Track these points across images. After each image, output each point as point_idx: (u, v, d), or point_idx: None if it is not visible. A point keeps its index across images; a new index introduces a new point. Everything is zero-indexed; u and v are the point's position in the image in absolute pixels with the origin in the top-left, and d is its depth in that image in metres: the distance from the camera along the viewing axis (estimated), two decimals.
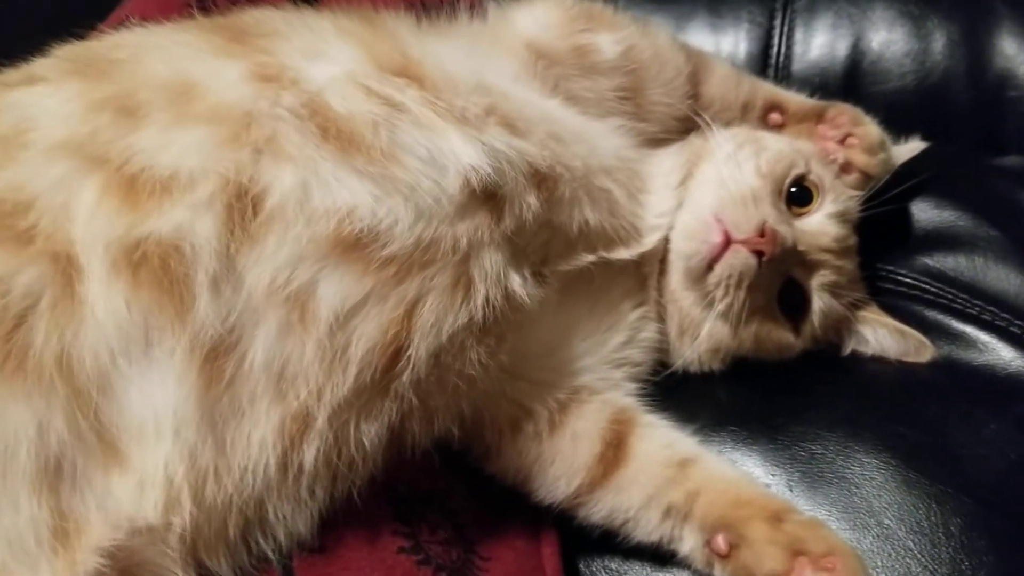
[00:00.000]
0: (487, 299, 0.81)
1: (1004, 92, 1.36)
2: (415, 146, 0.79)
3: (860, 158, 1.05)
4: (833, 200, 1.00)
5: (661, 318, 1.02)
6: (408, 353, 0.77)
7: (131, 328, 0.69)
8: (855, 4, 1.43)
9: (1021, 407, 0.95)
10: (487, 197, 0.81)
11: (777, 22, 1.46)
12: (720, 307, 0.95)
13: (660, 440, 0.93)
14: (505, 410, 0.91)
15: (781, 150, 1.01)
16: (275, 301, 0.72)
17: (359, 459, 0.78)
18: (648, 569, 0.91)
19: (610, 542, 0.91)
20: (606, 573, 0.92)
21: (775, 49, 1.46)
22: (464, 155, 0.80)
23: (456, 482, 0.91)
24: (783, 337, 1.00)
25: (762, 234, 0.92)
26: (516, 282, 0.83)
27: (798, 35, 1.45)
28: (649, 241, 0.98)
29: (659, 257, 1.00)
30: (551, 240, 0.90)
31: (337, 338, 0.74)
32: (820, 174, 1.01)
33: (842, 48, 1.43)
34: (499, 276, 0.82)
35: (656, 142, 1.06)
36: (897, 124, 1.18)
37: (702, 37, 1.47)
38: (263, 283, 0.72)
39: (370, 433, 0.77)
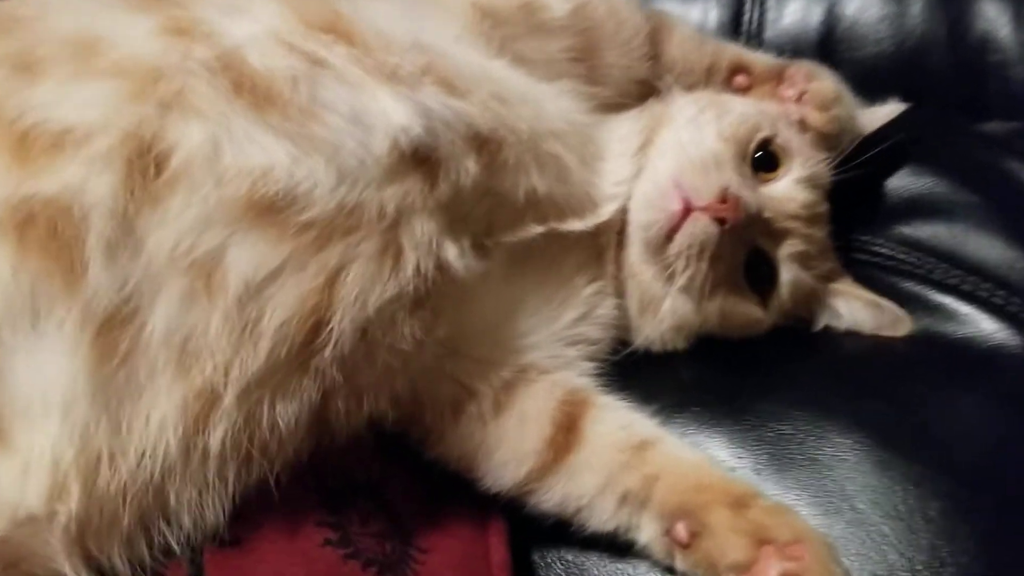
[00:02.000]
0: (418, 269, 0.74)
1: (985, 56, 1.30)
2: (338, 103, 0.73)
3: (812, 115, 0.99)
4: (802, 164, 0.94)
5: (620, 294, 0.95)
6: (330, 326, 0.70)
7: (16, 296, 0.64)
8: None
9: (1002, 381, 0.88)
10: (419, 161, 0.75)
11: None
12: (681, 280, 0.89)
13: (616, 422, 0.86)
14: (446, 390, 0.84)
15: (745, 112, 0.95)
16: (178, 268, 0.66)
17: (275, 442, 0.71)
18: (606, 560, 0.84)
19: (566, 531, 0.85)
20: (562, 564, 0.85)
21: (747, 16, 1.39)
22: (394, 114, 0.74)
23: (394, 469, 0.84)
24: (750, 311, 0.93)
25: (723, 200, 0.86)
26: (452, 253, 0.77)
27: (771, 1, 1.39)
28: (605, 211, 0.92)
29: (616, 229, 0.93)
30: (495, 209, 0.84)
31: (248, 309, 0.68)
32: (787, 137, 0.95)
33: (816, 14, 1.37)
34: (431, 245, 0.76)
35: (614, 107, 1.00)
36: (875, 91, 1.12)
37: (671, 5, 1.41)
38: (165, 248, 0.66)
39: (287, 414, 0.70)
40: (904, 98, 1.14)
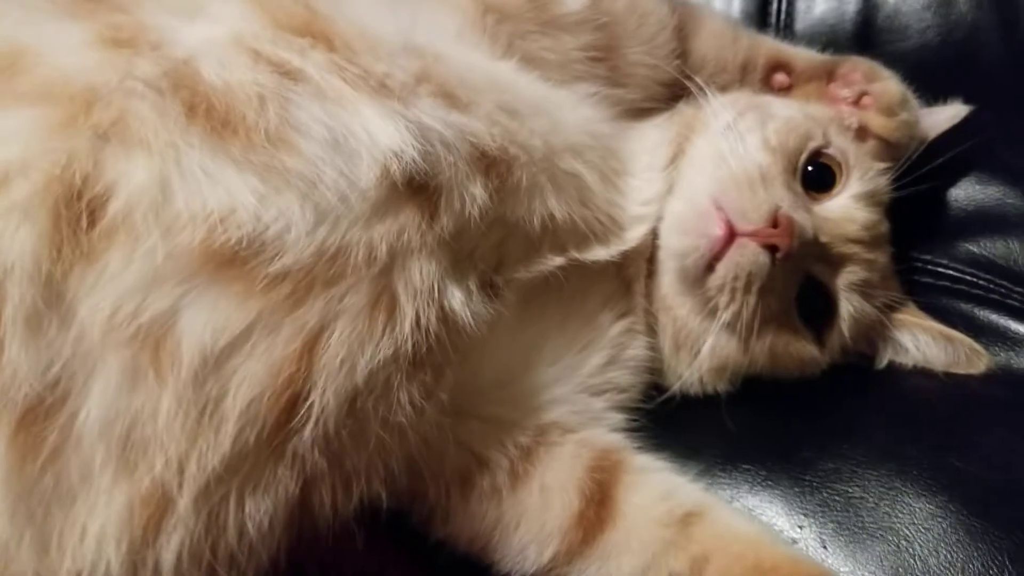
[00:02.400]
0: (417, 322, 0.63)
1: None
2: (315, 125, 0.61)
3: (876, 120, 0.88)
4: (860, 178, 0.82)
5: (652, 331, 0.84)
6: (309, 401, 0.58)
7: None
8: None
9: None
10: (415, 190, 0.64)
11: None
12: (725, 316, 0.77)
13: (656, 490, 0.74)
14: (452, 461, 0.72)
15: (792, 118, 0.83)
16: (118, 339, 0.54)
17: (244, 551, 0.59)
18: None
19: None
20: None
21: (775, 5, 1.26)
22: (382, 136, 0.62)
23: (393, 559, 0.73)
24: (805, 350, 0.82)
25: (775, 224, 0.74)
26: (457, 298, 0.66)
27: None
28: (632, 236, 0.80)
29: (646, 255, 0.82)
30: (506, 240, 0.72)
31: (207, 387, 0.56)
32: (842, 147, 0.83)
33: (852, 2, 1.23)
34: (433, 291, 0.64)
35: (639, 112, 0.88)
36: (921, 88, 1.01)
37: None
38: (102, 316, 0.54)
39: (258, 513, 0.58)
40: (952, 95, 1.02)
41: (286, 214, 0.58)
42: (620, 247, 0.79)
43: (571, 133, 0.77)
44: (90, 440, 0.54)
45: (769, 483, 0.76)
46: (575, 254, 0.76)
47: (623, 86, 0.85)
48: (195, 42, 0.62)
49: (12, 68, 0.58)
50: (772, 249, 0.73)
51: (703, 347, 0.80)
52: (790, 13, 1.25)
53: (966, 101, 1.05)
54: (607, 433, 0.78)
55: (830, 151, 0.82)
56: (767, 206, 0.74)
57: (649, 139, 0.85)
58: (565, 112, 0.78)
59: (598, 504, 0.72)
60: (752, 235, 0.74)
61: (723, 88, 0.91)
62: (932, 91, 1.02)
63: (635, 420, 0.81)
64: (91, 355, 0.54)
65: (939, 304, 0.88)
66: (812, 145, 0.81)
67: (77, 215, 0.54)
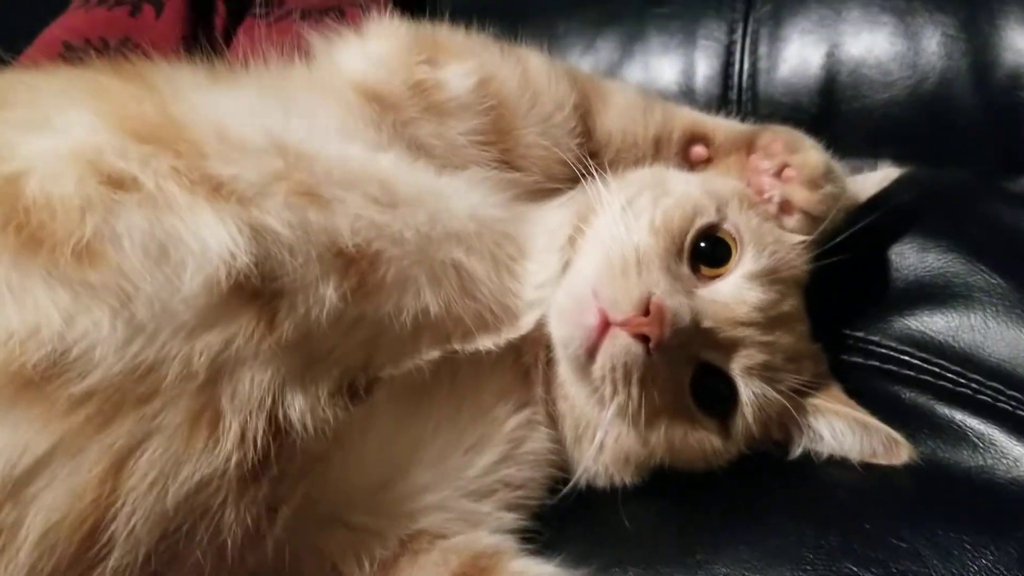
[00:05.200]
0: (243, 437, 0.61)
1: (1017, 93, 1.09)
2: (136, 234, 0.61)
3: (799, 194, 0.82)
4: (755, 256, 0.77)
5: (553, 421, 0.80)
6: (113, 527, 0.57)
7: None
8: (827, 5, 1.19)
9: None
10: (250, 296, 0.63)
11: (737, 36, 1.24)
12: (612, 407, 0.73)
13: None
14: (309, 569, 0.69)
15: (685, 194, 0.79)
16: None
17: None
18: None
19: None
20: None
21: (736, 67, 1.22)
22: (214, 241, 0.62)
23: None
24: (706, 440, 0.77)
25: (646, 312, 0.69)
26: (296, 407, 0.64)
27: (763, 49, 1.23)
28: (525, 323, 0.78)
29: (544, 342, 0.78)
30: (374, 338, 0.70)
31: (2, 515, 0.55)
32: (738, 222, 0.78)
33: (815, 59, 1.19)
34: (264, 402, 0.62)
35: (544, 193, 0.85)
36: (890, 143, 1.00)
37: (652, 60, 1.27)
38: None
39: None
40: (923, 152, 0.97)
41: (94, 331, 0.57)
42: (510, 334, 0.76)
43: (455, 221, 0.75)
44: None
45: None
46: (456, 346, 0.74)
47: (520, 169, 0.83)
48: (32, 155, 0.62)
49: None
50: (644, 339, 0.69)
51: (598, 437, 0.76)
52: (753, 75, 1.22)
53: (936, 157, 1.00)
54: (487, 536, 0.74)
55: (726, 227, 0.78)
56: (638, 293, 0.70)
57: (550, 220, 0.82)
58: (450, 200, 0.76)
59: None
60: (623, 324, 0.70)
61: (636, 163, 0.88)
62: (902, 145, 0.97)
63: (537, 512, 0.77)
64: None
65: (868, 385, 0.81)
66: (700, 222, 0.77)
67: None
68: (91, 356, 0.57)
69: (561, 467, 0.81)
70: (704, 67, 1.24)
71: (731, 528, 0.74)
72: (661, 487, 0.79)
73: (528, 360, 0.80)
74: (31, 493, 0.55)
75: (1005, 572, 0.66)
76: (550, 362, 0.79)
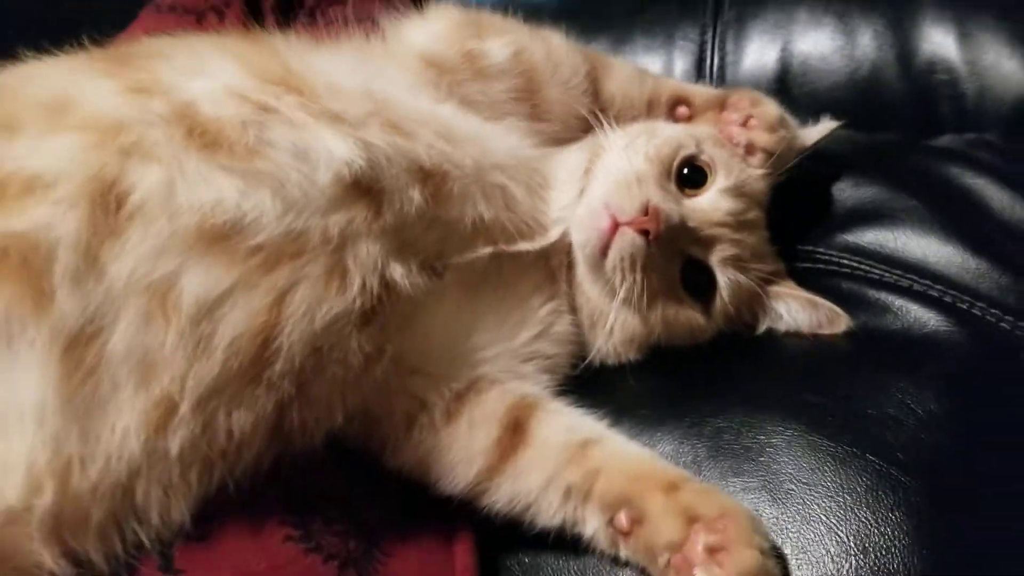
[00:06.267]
0: (364, 287, 0.82)
1: (934, 76, 1.37)
2: (283, 142, 0.81)
3: (761, 137, 1.05)
4: (726, 176, 0.99)
5: (574, 310, 1.02)
6: (278, 341, 0.78)
7: None
8: (781, 10, 1.46)
9: (932, 365, 0.92)
10: (363, 191, 0.83)
11: (708, 37, 1.50)
12: (621, 292, 0.94)
13: (562, 424, 0.92)
14: (399, 404, 0.90)
15: (671, 135, 1.02)
16: (136, 291, 0.74)
17: (233, 449, 0.78)
18: (561, 560, 0.89)
19: (528, 538, 0.90)
20: (519, 567, 0.90)
21: (708, 63, 1.48)
22: (336, 150, 0.82)
23: (361, 480, 0.91)
24: (693, 318, 0.99)
25: (646, 212, 0.92)
26: (398, 272, 0.84)
27: (729, 47, 1.48)
28: (553, 234, 0.99)
29: (567, 250, 1.00)
30: (445, 235, 0.91)
31: (201, 327, 0.75)
32: (712, 154, 1.01)
33: (772, 54, 1.45)
34: (376, 265, 0.83)
35: (563, 141, 1.07)
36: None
37: (638, 58, 1.51)
38: (124, 274, 0.74)
39: (241, 422, 0.77)
40: (862, 123, 1.21)
41: (261, 204, 0.78)
42: (543, 242, 0.98)
43: (499, 155, 0.96)
44: (116, 361, 0.73)
45: (658, 423, 0.92)
46: (503, 246, 0.95)
47: (544, 120, 1.05)
48: (197, 90, 0.83)
49: (63, 110, 0.80)
50: (645, 232, 0.91)
51: (610, 320, 0.97)
52: (722, 68, 1.48)
53: (873, 127, 1.24)
54: (531, 387, 0.96)
55: (703, 157, 1.00)
56: (639, 200, 0.92)
57: (567, 161, 1.04)
58: (494, 140, 0.98)
59: (513, 432, 0.90)
60: (629, 223, 0.92)
61: (633, 120, 1.10)
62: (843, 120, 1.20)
63: (561, 383, 0.98)
64: (117, 302, 0.73)
65: (814, 282, 1.03)
66: (683, 153, 0.99)
67: (108, 203, 0.74)
68: (259, 222, 0.77)
69: (580, 348, 1.01)
70: (681, 63, 1.50)
71: (712, 382, 0.97)
72: (659, 363, 1.00)
73: (555, 263, 1.00)
74: (220, 314, 0.76)
75: (916, 395, 0.88)
76: (571, 265, 1.00)
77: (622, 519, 0.83)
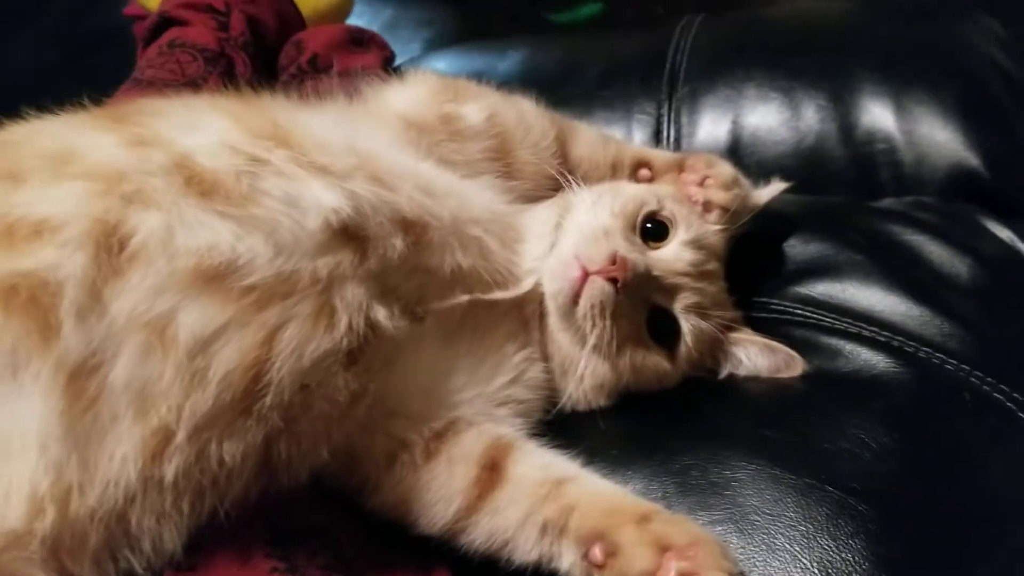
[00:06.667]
0: (350, 327, 0.86)
1: (874, 145, 1.47)
2: (275, 191, 0.86)
3: (717, 195, 1.13)
4: (686, 229, 1.06)
5: (547, 358, 1.07)
6: (268, 375, 0.82)
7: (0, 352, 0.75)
8: (731, 87, 1.56)
9: (883, 402, 0.98)
10: (349, 237, 0.88)
11: (664, 111, 1.59)
12: (592, 339, 1.00)
13: (537, 462, 0.96)
14: (380, 443, 0.94)
15: (635, 193, 1.09)
16: (136, 326, 0.78)
17: (224, 477, 0.81)
18: None
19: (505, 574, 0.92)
20: None
21: (665, 135, 1.57)
22: (325, 198, 0.88)
23: (343, 517, 0.93)
24: (659, 364, 1.04)
25: (613, 262, 0.98)
26: (382, 314, 0.89)
27: (684, 120, 1.58)
28: (526, 284, 1.05)
29: (539, 300, 1.06)
30: (425, 282, 0.96)
31: (197, 360, 0.79)
32: (673, 209, 1.08)
33: (723, 126, 1.55)
34: (362, 307, 0.87)
35: (534, 198, 1.14)
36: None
37: (600, 125, 1.58)
38: (126, 311, 0.78)
39: (232, 452, 0.81)
40: (809, 189, 1.30)
41: (254, 248, 0.82)
42: (516, 292, 1.03)
43: (475, 210, 1.02)
44: (117, 392, 0.76)
45: (627, 461, 0.96)
46: (479, 295, 1.00)
47: (517, 179, 1.12)
48: (193, 143, 0.89)
49: (67, 160, 0.85)
50: (614, 281, 0.97)
51: (580, 367, 1.02)
52: (678, 138, 1.57)
53: (816, 193, 1.33)
54: (506, 428, 0.99)
55: (664, 212, 1.07)
56: (607, 251, 0.98)
57: (539, 216, 1.10)
58: (471, 196, 1.04)
59: (490, 470, 0.93)
60: (599, 272, 0.97)
61: (599, 181, 1.18)
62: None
63: (533, 428, 1.02)
64: (119, 336, 0.77)
65: (770, 331, 1.09)
66: (646, 208, 1.06)
67: (111, 245, 0.78)
68: (252, 264, 0.82)
69: (552, 394, 1.06)
70: (639, 136, 1.59)
71: (678, 422, 1.02)
72: (627, 407, 1.05)
73: (528, 312, 1.05)
74: (215, 349, 0.79)
75: (869, 429, 0.94)
76: (543, 315, 1.05)
77: (596, 552, 0.86)
